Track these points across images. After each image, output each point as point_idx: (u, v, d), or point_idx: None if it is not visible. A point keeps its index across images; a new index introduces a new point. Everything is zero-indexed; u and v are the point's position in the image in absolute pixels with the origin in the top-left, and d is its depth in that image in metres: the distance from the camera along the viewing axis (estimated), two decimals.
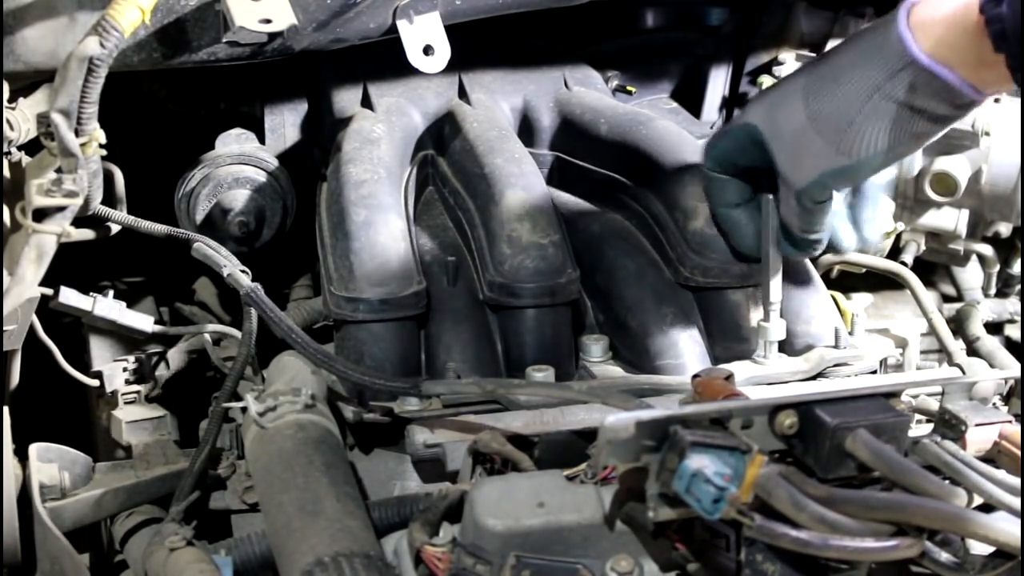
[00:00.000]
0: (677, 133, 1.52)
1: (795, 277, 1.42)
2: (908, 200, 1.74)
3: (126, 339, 1.50)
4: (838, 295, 1.53)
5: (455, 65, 1.45)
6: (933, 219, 1.74)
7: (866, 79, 1.10)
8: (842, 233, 1.30)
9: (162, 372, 1.48)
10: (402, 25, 1.40)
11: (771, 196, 1.28)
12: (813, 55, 1.81)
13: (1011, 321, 1.81)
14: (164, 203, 1.56)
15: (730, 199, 1.32)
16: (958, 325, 1.66)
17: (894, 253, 1.72)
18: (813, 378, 1.35)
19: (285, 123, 1.66)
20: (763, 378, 1.33)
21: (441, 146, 1.57)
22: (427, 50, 1.41)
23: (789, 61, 1.81)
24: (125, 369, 1.48)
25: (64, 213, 1.24)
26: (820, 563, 0.91)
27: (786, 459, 0.96)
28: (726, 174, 1.31)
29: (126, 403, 1.45)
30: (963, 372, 1.44)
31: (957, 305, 1.76)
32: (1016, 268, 1.83)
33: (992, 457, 1.04)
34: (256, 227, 1.57)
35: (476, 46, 1.58)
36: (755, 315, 1.37)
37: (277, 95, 1.66)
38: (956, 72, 1.06)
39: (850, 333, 1.42)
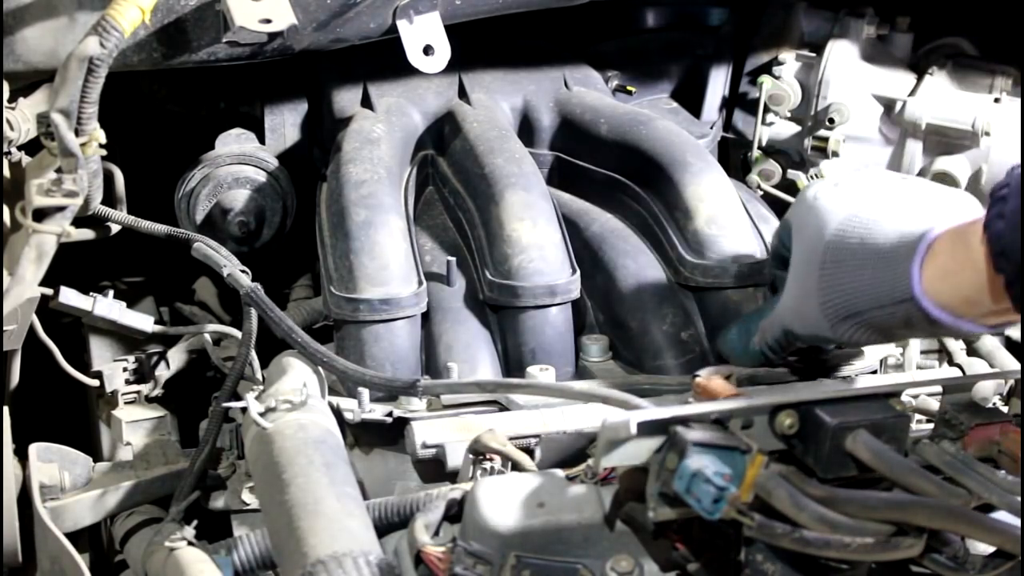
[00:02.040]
0: (677, 133, 1.52)
1: None
2: None
3: (126, 339, 1.50)
4: None
5: (455, 65, 1.45)
6: None
7: (872, 292, 1.07)
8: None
9: (162, 372, 1.48)
10: (402, 25, 1.40)
11: None
12: (813, 55, 1.81)
13: None
14: (164, 203, 1.56)
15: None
16: None
17: None
18: (813, 378, 1.34)
19: (285, 123, 1.66)
20: (763, 378, 1.33)
21: (441, 146, 1.57)
22: (427, 50, 1.41)
23: (789, 61, 1.81)
24: (125, 369, 1.48)
25: (64, 213, 1.24)
26: (820, 563, 0.91)
27: (786, 459, 0.96)
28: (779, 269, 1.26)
29: (126, 403, 1.45)
30: (963, 372, 1.44)
31: None
32: None
33: (992, 457, 1.04)
34: (256, 227, 1.57)
35: (476, 46, 1.58)
36: None
37: (277, 95, 1.66)
38: (951, 312, 1.02)
39: None
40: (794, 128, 1.83)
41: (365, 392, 1.27)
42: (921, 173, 1.72)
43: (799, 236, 1.18)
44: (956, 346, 1.54)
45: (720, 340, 1.32)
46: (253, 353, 1.31)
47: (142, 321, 1.46)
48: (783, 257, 1.23)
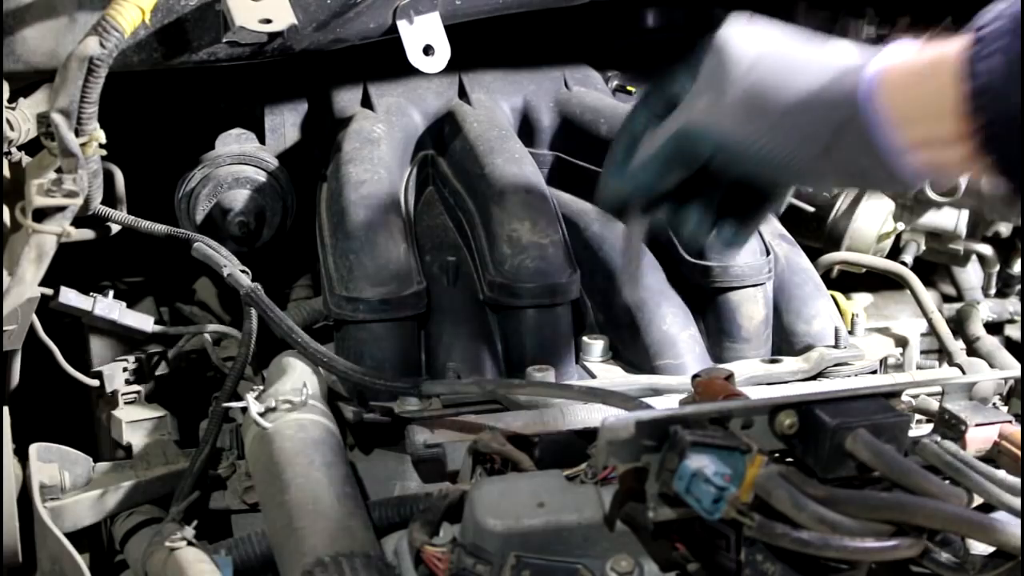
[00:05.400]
0: None
1: (795, 277, 1.42)
2: (908, 200, 1.74)
3: (126, 339, 1.49)
4: (838, 295, 1.53)
5: (455, 65, 1.44)
6: (933, 219, 1.74)
7: (813, 84, 0.96)
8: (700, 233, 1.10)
9: (162, 372, 1.48)
10: (402, 25, 1.40)
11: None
12: None
13: (1011, 321, 1.81)
14: (164, 203, 1.56)
15: (632, 130, 1.09)
16: (958, 325, 1.66)
17: (894, 253, 1.72)
18: (813, 378, 1.35)
19: (285, 123, 1.66)
20: (763, 378, 1.33)
21: (441, 146, 1.57)
22: (427, 50, 1.41)
23: None
24: (125, 369, 1.47)
25: (64, 213, 1.24)
26: (820, 563, 0.91)
27: (786, 459, 0.96)
28: (650, 105, 1.09)
29: (126, 403, 1.45)
30: (963, 372, 1.44)
31: (957, 305, 1.76)
32: (1016, 268, 1.83)
33: (992, 457, 1.04)
34: (256, 227, 1.57)
35: (476, 46, 1.58)
36: (756, 315, 1.37)
37: (277, 95, 1.66)
38: (895, 126, 0.91)
39: (850, 333, 1.42)
40: None
41: (365, 392, 1.27)
42: None
43: (710, 62, 1.02)
44: (956, 346, 1.54)
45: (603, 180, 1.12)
46: (253, 353, 1.31)
47: (142, 321, 1.46)
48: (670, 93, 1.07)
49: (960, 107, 0.88)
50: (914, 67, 0.93)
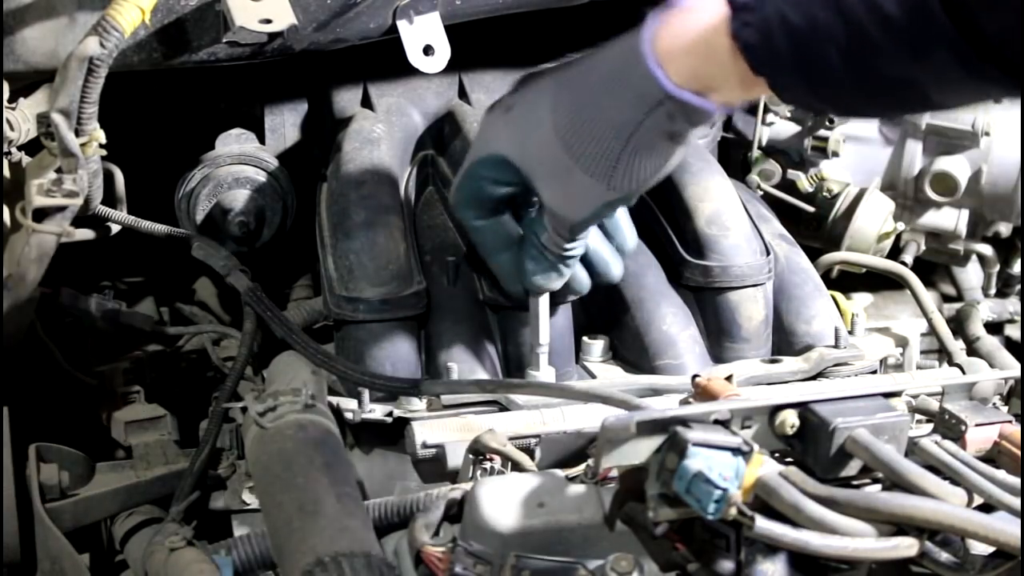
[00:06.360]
0: None
1: (795, 277, 1.42)
2: (908, 200, 1.75)
3: (126, 339, 1.50)
4: (838, 295, 1.53)
5: (455, 65, 1.44)
6: (933, 219, 1.74)
7: (622, 118, 1.04)
8: (612, 265, 1.28)
9: (162, 372, 1.48)
10: (402, 25, 1.40)
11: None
12: None
13: (1011, 321, 1.81)
14: (164, 203, 1.56)
15: (500, 244, 1.25)
16: (958, 325, 1.66)
17: (894, 253, 1.72)
18: (813, 378, 1.35)
19: (285, 123, 1.65)
20: (763, 378, 1.33)
21: (441, 146, 1.57)
22: (427, 50, 1.41)
23: None
24: (125, 369, 1.48)
25: (64, 213, 1.24)
26: (820, 563, 0.91)
27: (786, 459, 0.96)
28: (487, 215, 1.24)
29: (126, 403, 1.45)
30: (963, 372, 1.44)
31: (957, 305, 1.76)
32: (1016, 268, 1.83)
33: (992, 457, 1.04)
34: (256, 227, 1.57)
35: (476, 46, 1.58)
36: (756, 315, 1.37)
37: (277, 95, 1.66)
38: (714, 97, 1.01)
39: (850, 333, 1.42)
40: (794, 128, 1.82)
41: (365, 392, 1.27)
42: (921, 173, 1.72)
43: (519, 146, 1.15)
44: (956, 346, 1.54)
45: (504, 283, 1.29)
46: (253, 353, 1.31)
47: (142, 321, 1.46)
48: (493, 197, 1.21)
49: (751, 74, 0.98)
50: (688, 47, 1.01)
